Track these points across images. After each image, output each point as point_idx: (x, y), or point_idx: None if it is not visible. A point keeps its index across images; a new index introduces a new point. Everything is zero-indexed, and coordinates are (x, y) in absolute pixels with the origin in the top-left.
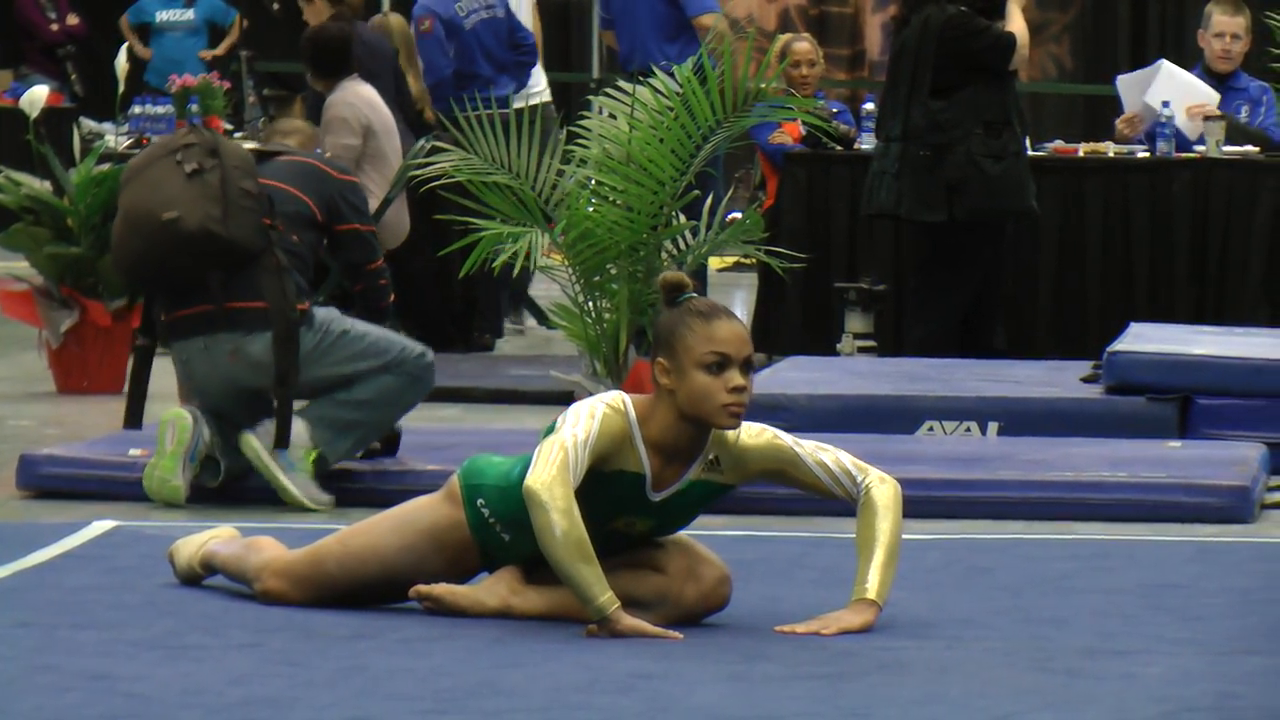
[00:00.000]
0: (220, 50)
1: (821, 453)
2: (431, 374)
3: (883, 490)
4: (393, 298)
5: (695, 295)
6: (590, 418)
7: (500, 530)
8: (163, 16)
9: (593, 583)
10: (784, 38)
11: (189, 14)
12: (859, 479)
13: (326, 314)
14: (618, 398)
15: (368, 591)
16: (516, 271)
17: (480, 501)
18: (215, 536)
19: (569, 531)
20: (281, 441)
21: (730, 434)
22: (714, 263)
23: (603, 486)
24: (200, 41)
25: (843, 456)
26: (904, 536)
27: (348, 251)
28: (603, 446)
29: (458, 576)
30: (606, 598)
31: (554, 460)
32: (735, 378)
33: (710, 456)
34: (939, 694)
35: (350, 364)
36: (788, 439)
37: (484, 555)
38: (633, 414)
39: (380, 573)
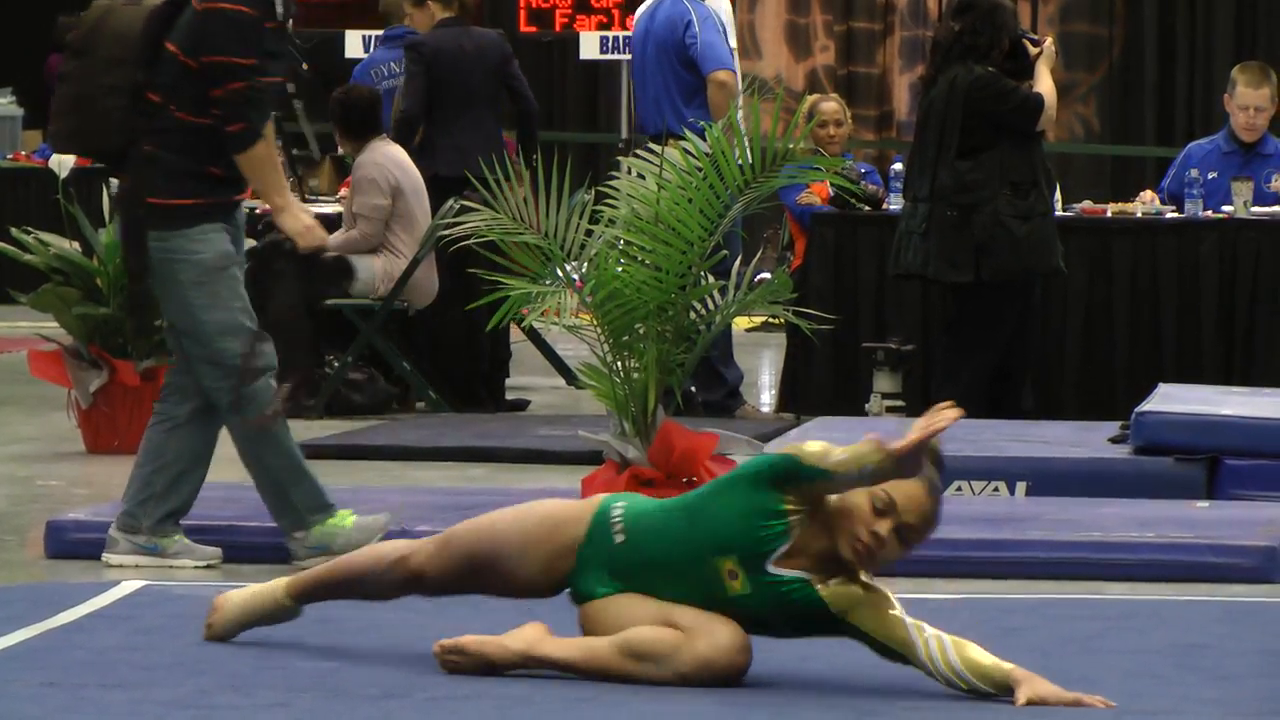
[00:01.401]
0: None
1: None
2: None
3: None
4: (242, 127)
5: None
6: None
7: (616, 532)
8: None
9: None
10: (811, 98)
11: None
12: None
13: (192, 243)
14: None
15: (476, 572)
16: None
17: (620, 505)
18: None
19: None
20: (136, 330)
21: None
22: (741, 322)
23: (752, 512)
24: None
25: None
26: (933, 596)
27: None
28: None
29: (543, 586)
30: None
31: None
32: (883, 525)
33: (828, 575)
34: None
35: (176, 315)
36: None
37: (577, 568)
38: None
39: (490, 549)
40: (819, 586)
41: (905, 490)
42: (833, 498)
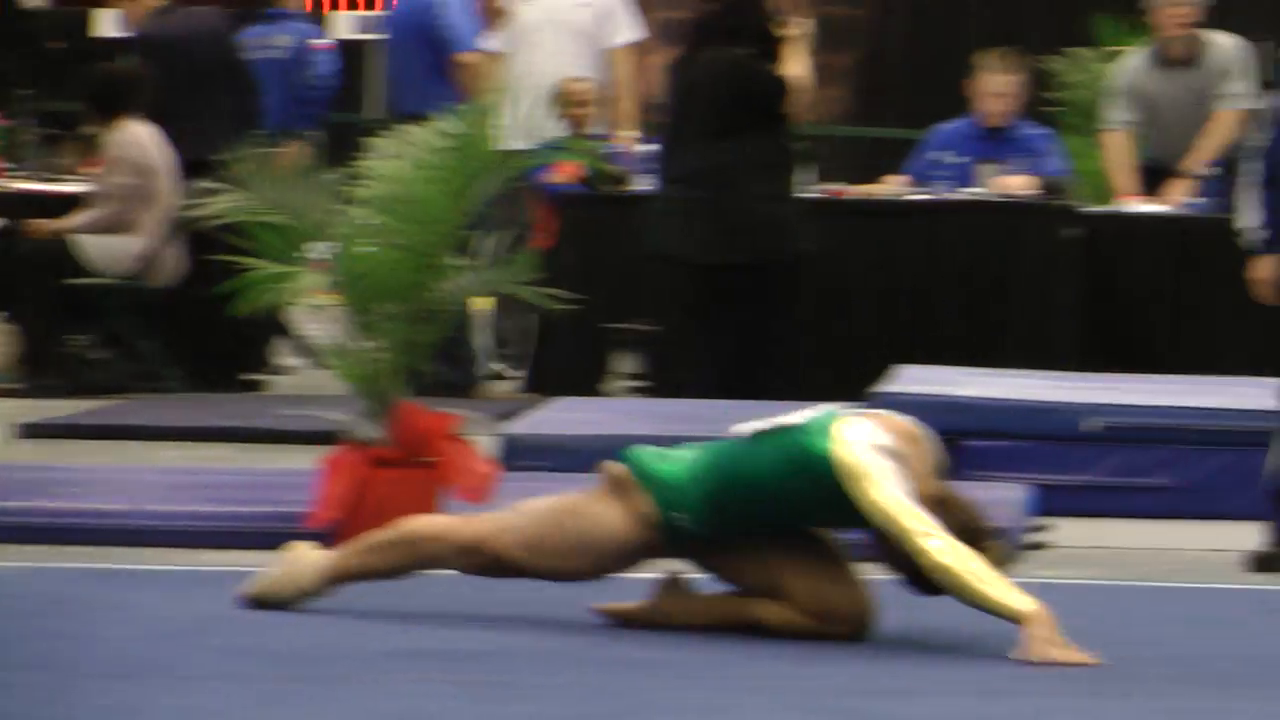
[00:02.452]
0: None
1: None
2: None
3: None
4: None
5: None
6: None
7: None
8: None
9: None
10: (561, 79)
11: None
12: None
13: None
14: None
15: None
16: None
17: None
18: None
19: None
20: None
21: None
22: (483, 302)
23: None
24: None
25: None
26: None
27: None
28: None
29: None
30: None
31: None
32: None
33: None
34: None
35: None
36: None
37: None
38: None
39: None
40: None
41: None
42: None
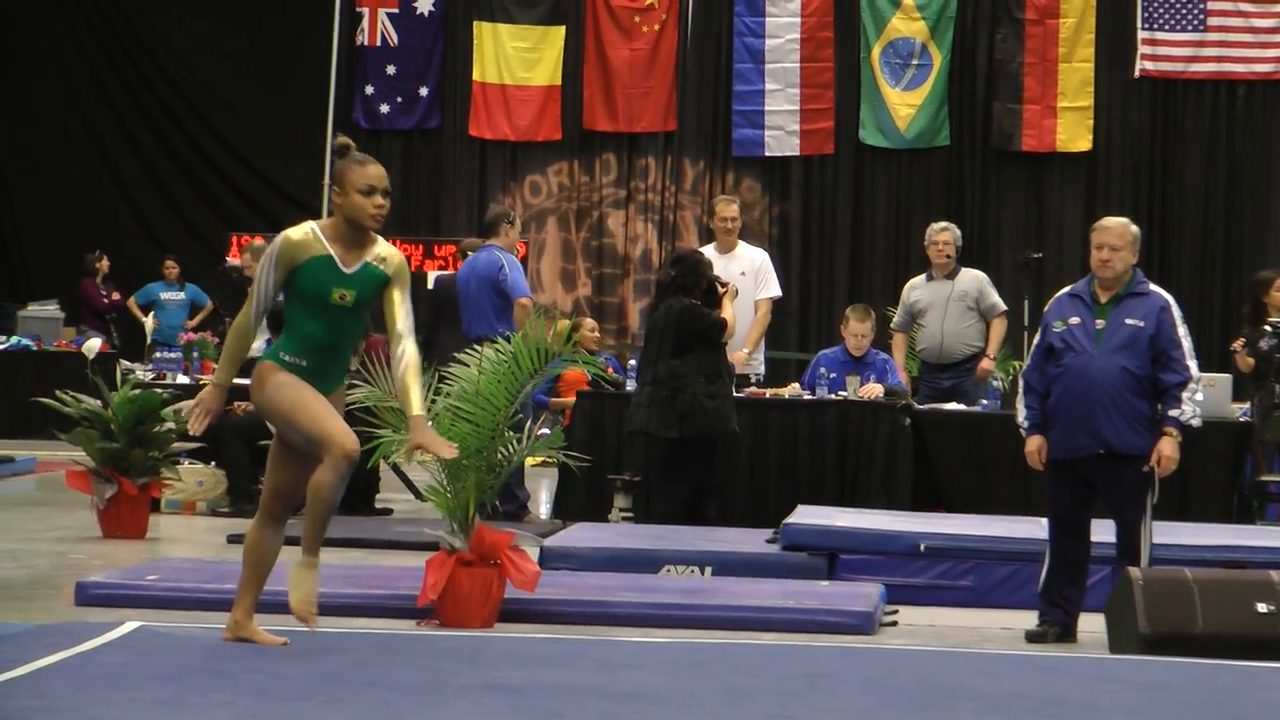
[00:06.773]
0: (195, 321)
1: (406, 305)
2: None
3: (413, 354)
4: None
5: (354, 150)
6: (267, 258)
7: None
8: (165, 296)
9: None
10: (577, 320)
11: (181, 295)
12: (402, 337)
13: None
14: (305, 225)
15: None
16: (392, 460)
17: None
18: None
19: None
20: None
21: (377, 237)
22: (530, 460)
23: (313, 272)
24: (186, 314)
25: (406, 315)
26: (652, 640)
27: None
28: (288, 254)
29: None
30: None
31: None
32: (378, 199)
33: (374, 255)
34: None
35: None
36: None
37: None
38: (315, 227)
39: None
40: (377, 266)
41: (370, 174)
42: (340, 208)
